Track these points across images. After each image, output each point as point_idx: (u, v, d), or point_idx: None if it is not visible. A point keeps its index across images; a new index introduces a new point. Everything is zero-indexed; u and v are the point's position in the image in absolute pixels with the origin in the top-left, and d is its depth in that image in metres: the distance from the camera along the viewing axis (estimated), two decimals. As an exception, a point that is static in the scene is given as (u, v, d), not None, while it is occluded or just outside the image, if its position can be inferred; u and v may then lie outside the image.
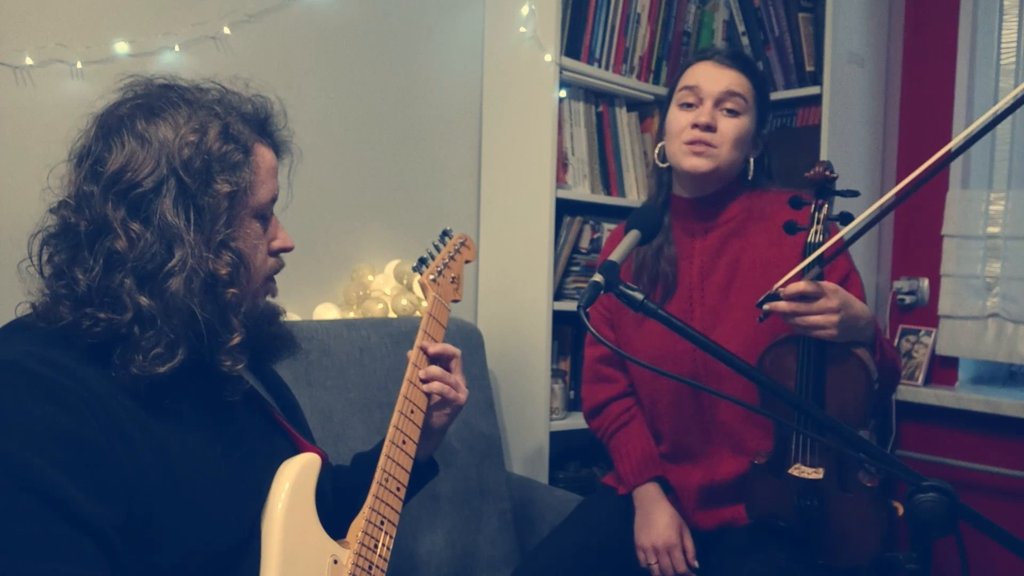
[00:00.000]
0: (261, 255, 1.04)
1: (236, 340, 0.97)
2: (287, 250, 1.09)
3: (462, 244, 1.40)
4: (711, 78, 1.59)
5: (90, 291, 0.91)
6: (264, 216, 1.05)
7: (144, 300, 0.91)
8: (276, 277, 1.11)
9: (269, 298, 1.09)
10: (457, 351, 1.27)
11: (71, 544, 0.83)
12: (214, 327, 0.95)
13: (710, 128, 1.57)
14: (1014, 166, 2.41)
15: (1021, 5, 2.38)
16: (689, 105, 1.60)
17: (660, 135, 1.69)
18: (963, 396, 2.37)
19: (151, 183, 0.93)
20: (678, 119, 1.61)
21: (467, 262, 1.41)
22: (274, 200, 1.06)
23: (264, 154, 1.04)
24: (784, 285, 1.34)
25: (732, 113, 1.58)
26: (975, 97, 2.45)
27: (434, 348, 1.25)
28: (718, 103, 1.58)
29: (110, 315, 0.90)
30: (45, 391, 0.86)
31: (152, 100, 0.97)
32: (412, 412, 1.19)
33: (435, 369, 1.23)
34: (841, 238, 1.27)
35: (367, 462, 1.19)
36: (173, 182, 0.93)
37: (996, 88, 2.44)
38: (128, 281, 0.91)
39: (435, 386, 1.23)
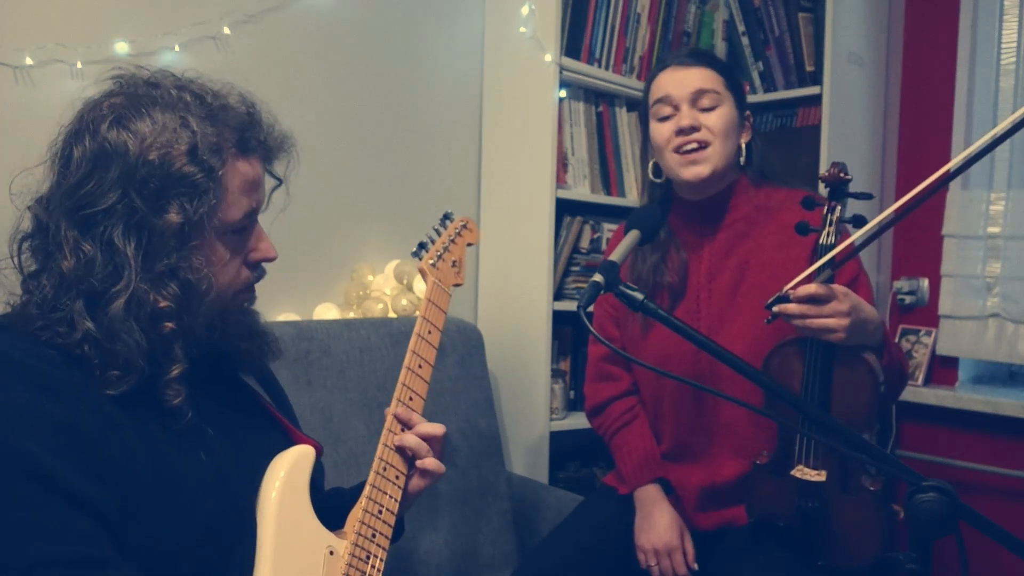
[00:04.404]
0: (229, 274, 1.01)
1: (176, 372, 0.94)
2: (269, 260, 1.06)
3: (463, 227, 1.37)
4: (677, 82, 1.59)
5: (50, 302, 0.91)
6: (238, 232, 1.01)
7: (89, 324, 0.90)
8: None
9: (246, 305, 1.06)
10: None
11: (73, 525, 0.84)
12: (155, 357, 0.93)
13: (694, 129, 1.56)
14: (1014, 166, 2.41)
15: (1021, 5, 2.38)
16: (666, 117, 1.60)
17: (646, 154, 1.69)
18: (963, 396, 2.37)
19: (106, 203, 0.91)
20: (660, 132, 1.60)
21: (469, 244, 1.38)
22: (253, 212, 1.02)
23: (239, 169, 0.99)
24: (794, 287, 1.33)
25: (710, 108, 1.58)
26: (975, 97, 2.45)
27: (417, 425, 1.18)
28: (693, 103, 1.58)
29: (65, 330, 0.91)
30: (35, 380, 0.87)
31: (128, 103, 0.94)
32: (411, 399, 1.18)
33: (412, 439, 1.17)
34: (853, 242, 1.27)
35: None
36: (126, 203, 0.91)
37: (996, 88, 2.44)
38: (78, 304, 0.90)
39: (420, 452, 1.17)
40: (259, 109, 1.03)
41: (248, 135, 1.00)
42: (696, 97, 1.57)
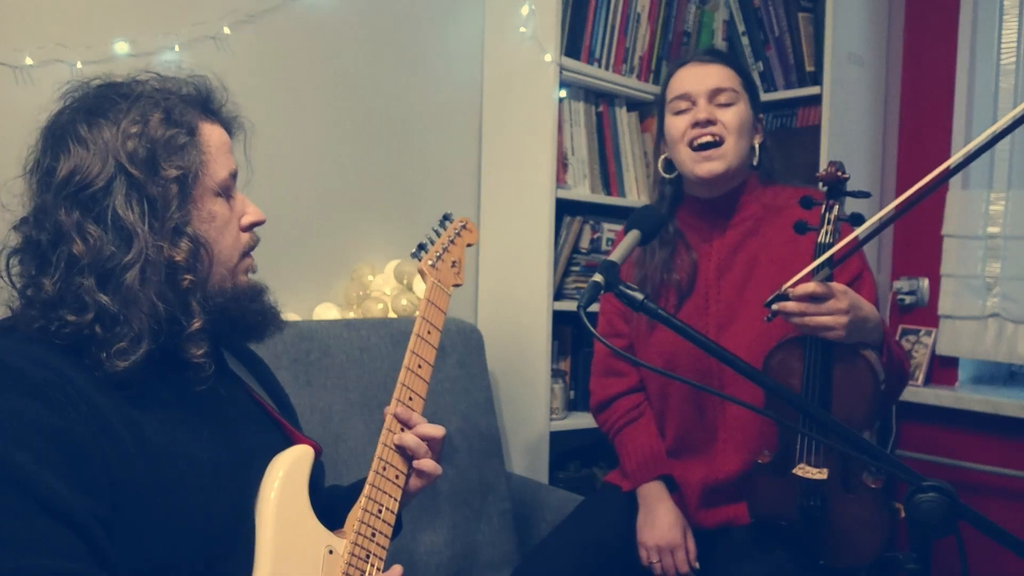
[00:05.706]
0: (231, 234, 1.05)
1: (196, 325, 0.97)
2: (259, 223, 1.09)
3: (463, 227, 1.37)
4: (697, 79, 1.61)
5: (56, 295, 0.92)
6: (228, 193, 1.05)
7: (103, 298, 0.91)
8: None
9: (251, 275, 1.09)
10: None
11: (54, 538, 0.84)
12: (174, 315, 0.95)
13: (710, 122, 1.58)
14: (1014, 166, 2.41)
15: (1021, 5, 2.38)
16: (683, 111, 1.62)
17: (659, 147, 1.70)
18: (963, 396, 2.37)
19: (101, 182, 0.93)
20: (676, 125, 1.62)
21: (469, 245, 1.38)
22: (234, 176, 1.06)
23: (212, 131, 1.04)
24: (793, 285, 1.34)
25: (727, 105, 1.60)
26: (975, 97, 2.45)
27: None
28: (711, 99, 1.60)
29: (75, 317, 0.91)
30: (28, 386, 0.87)
31: (91, 102, 0.98)
32: (411, 399, 1.18)
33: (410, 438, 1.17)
34: (853, 239, 1.27)
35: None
36: (122, 177, 0.94)
37: (996, 88, 2.44)
38: (88, 282, 0.92)
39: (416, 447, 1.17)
40: (211, 82, 1.08)
41: (207, 103, 1.07)
42: (714, 94, 1.60)
